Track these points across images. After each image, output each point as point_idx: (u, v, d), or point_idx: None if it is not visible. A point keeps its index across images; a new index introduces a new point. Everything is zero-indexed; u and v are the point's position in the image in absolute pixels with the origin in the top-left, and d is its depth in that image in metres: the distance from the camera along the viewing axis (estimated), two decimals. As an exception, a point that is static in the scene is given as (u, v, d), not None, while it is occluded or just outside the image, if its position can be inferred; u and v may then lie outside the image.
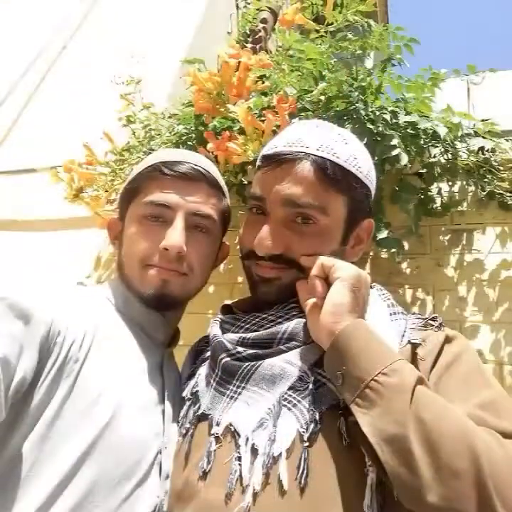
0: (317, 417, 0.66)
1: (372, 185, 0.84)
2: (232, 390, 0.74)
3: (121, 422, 0.70)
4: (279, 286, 0.79)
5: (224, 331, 0.82)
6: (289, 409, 0.68)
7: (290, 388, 0.69)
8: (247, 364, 0.73)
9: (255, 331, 0.77)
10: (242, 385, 0.73)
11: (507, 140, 1.40)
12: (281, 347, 0.73)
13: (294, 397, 0.68)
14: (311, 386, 0.68)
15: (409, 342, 0.72)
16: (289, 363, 0.71)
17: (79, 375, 0.68)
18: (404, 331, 0.74)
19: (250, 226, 0.82)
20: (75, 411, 0.66)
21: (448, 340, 0.73)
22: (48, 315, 0.68)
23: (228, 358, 0.76)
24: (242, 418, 0.70)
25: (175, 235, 0.79)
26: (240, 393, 0.73)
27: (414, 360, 0.70)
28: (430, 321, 0.77)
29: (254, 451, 0.65)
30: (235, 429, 0.69)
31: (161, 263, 0.80)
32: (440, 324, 0.76)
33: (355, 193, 0.79)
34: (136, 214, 0.83)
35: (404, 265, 1.54)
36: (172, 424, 0.79)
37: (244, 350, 0.75)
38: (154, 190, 0.82)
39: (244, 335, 0.77)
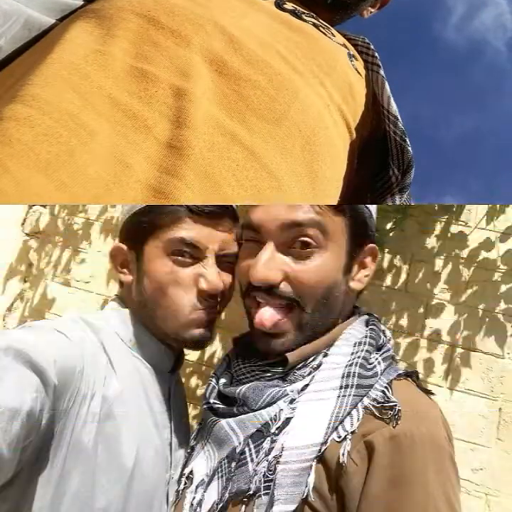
0: (224, 498, 0.64)
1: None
2: (205, 438, 0.74)
3: (143, 468, 0.71)
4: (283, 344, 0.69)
5: (221, 374, 0.78)
6: (219, 477, 0.67)
7: (226, 457, 0.67)
8: (210, 418, 0.72)
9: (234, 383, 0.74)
10: (207, 437, 0.73)
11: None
12: (234, 410, 0.70)
13: (226, 468, 0.67)
14: (234, 464, 0.66)
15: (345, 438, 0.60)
16: (232, 430, 0.68)
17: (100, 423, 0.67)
18: (343, 417, 0.61)
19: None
20: (100, 461, 0.66)
21: (392, 441, 0.58)
22: (57, 364, 0.63)
23: (205, 406, 0.75)
24: (197, 469, 0.72)
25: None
26: (205, 445, 0.73)
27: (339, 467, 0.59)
28: (386, 409, 0.61)
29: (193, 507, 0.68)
30: (192, 479, 0.71)
31: None
32: (396, 414, 0.59)
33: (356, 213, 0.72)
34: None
35: (388, 224, 1.48)
36: (178, 461, 0.80)
37: (215, 403, 0.73)
38: None
39: (221, 386, 0.75)
